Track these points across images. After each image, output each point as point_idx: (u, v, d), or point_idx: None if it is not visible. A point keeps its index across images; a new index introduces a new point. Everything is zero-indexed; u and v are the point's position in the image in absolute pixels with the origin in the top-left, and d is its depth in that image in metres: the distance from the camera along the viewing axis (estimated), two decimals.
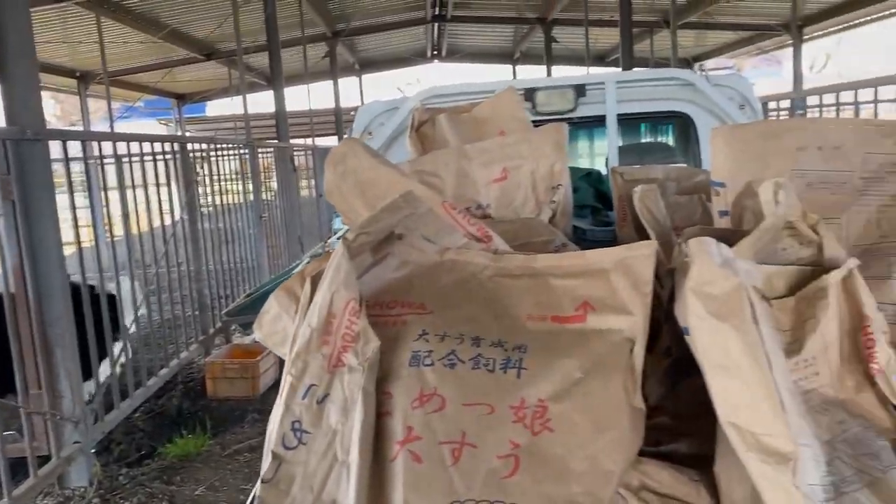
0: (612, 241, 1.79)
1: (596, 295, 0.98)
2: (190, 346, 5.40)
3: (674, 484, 0.93)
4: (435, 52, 20.72)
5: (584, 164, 3.63)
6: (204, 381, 4.99)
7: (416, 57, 20.18)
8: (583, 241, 2.34)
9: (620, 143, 2.91)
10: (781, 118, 5.58)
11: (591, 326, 0.96)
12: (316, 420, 0.91)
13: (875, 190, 1.37)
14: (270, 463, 0.90)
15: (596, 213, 2.63)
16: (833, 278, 1.04)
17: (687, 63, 17.85)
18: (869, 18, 12.84)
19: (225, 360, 5.03)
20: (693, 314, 0.84)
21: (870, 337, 1.01)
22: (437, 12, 16.23)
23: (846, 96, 4.84)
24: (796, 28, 12.13)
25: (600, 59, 18.06)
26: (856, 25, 13.41)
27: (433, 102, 2.61)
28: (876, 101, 4.16)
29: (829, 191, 1.37)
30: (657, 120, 3.35)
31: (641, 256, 0.97)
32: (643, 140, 3.58)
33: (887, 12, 12.09)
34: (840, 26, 13.42)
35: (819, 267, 1.11)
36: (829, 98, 5.20)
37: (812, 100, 5.52)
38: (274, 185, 8.28)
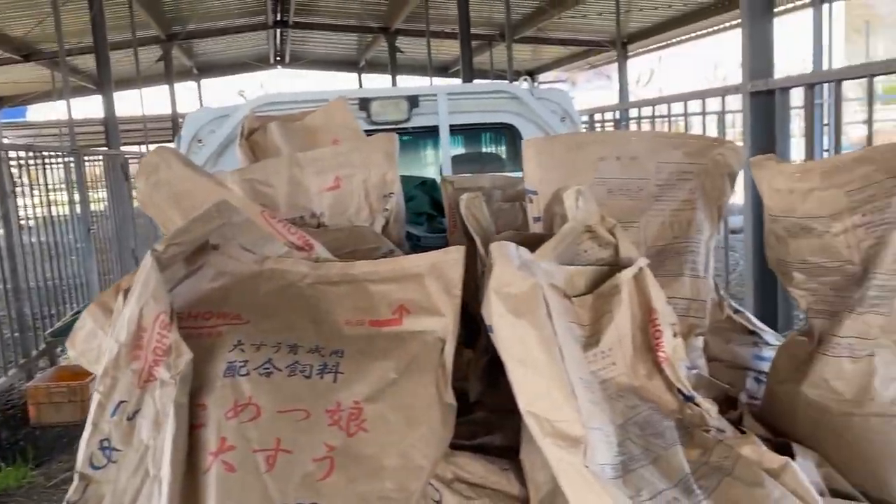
0: (445, 247, 1.86)
1: (411, 298, 1.02)
2: (9, 370, 4.96)
3: (485, 474, 0.99)
4: (278, 59, 20.33)
5: (422, 173, 3.73)
6: (26, 408, 4.60)
7: (258, 63, 19.70)
8: (418, 247, 2.41)
9: (455, 153, 3.02)
10: (590, 131, 5.97)
11: (407, 329, 1.00)
12: (126, 437, 0.89)
13: (668, 196, 1.52)
14: (77, 484, 0.87)
15: (431, 220, 2.71)
16: (625, 276, 1.14)
17: (527, 75, 18.64)
18: (686, 38, 14.04)
19: (50, 383, 4.67)
20: (495, 313, 0.90)
21: (657, 328, 1.13)
22: (278, 18, 15.94)
23: (662, 109, 5.27)
24: (621, 45, 13.02)
25: (444, 69, 18.48)
26: (675, 44, 14.62)
27: (266, 110, 2.58)
28: (686, 115, 4.57)
29: (628, 197, 1.50)
30: (488, 130, 3.50)
31: (452, 261, 1.02)
32: (476, 150, 3.73)
33: (702, 32, 13.27)
34: (660, 44, 14.57)
35: (616, 266, 1.21)
36: (647, 111, 5.64)
37: (634, 112, 5.97)
38: (104, 194, 7.78)
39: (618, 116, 6.41)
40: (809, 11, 9.52)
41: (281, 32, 17.46)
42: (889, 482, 1.21)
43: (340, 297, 1.03)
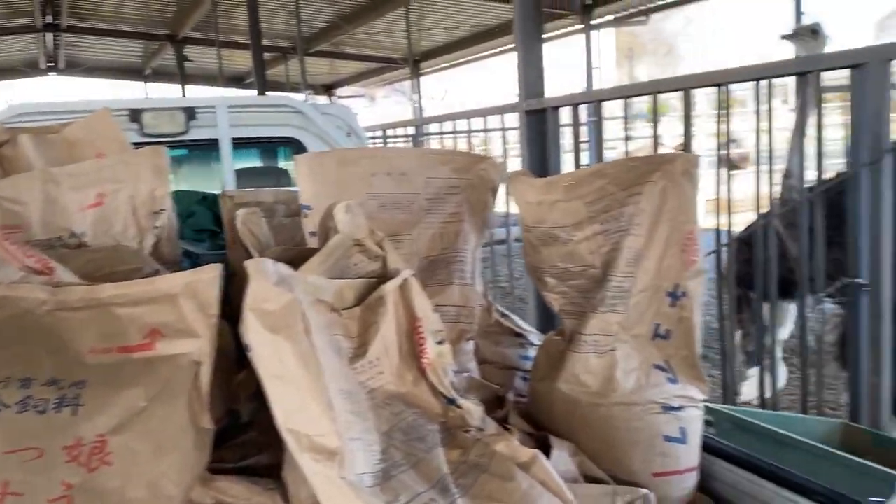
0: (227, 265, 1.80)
1: (164, 321, 0.98)
2: None
3: (249, 496, 0.97)
4: (51, 65, 18.60)
5: (205, 188, 3.59)
6: None
7: (27, 69, 17.89)
8: (198, 265, 2.31)
9: (239, 167, 2.93)
10: (368, 146, 6.09)
11: (160, 353, 0.96)
12: None
13: (437, 209, 1.58)
14: None
15: (214, 236, 2.61)
16: (390, 287, 1.18)
17: (326, 89, 18.62)
18: (474, 58, 14.75)
19: None
20: (251, 331, 0.89)
21: (421, 336, 1.17)
22: (49, 20, 14.59)
23: (449, 126, 5.49)
24: (413, 62, 13.41)
25: (238, 80, 17.92)
26: (465, 62, 15.31)
27: (21, 121, 2.35)
28: (469, 132, 4.81)
29: (400, 210, 1.55)
30: (274, 144, 3.45)
31: (207, 279, 0.99)
32: (262, 164, 3.65)
33: (490, 52, 14.01)
34: (451, 63, 15.19)
35: (384, 278, 1.25)
36: (443, 126, 5.85)
37: (430, 127, 6.16)
38: None
39: (412, 131, 6.59)
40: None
41: (54, 37, 15.98)
42: (632, 465, 1.34)
43: (84, 324, 0.96)
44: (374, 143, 5.96)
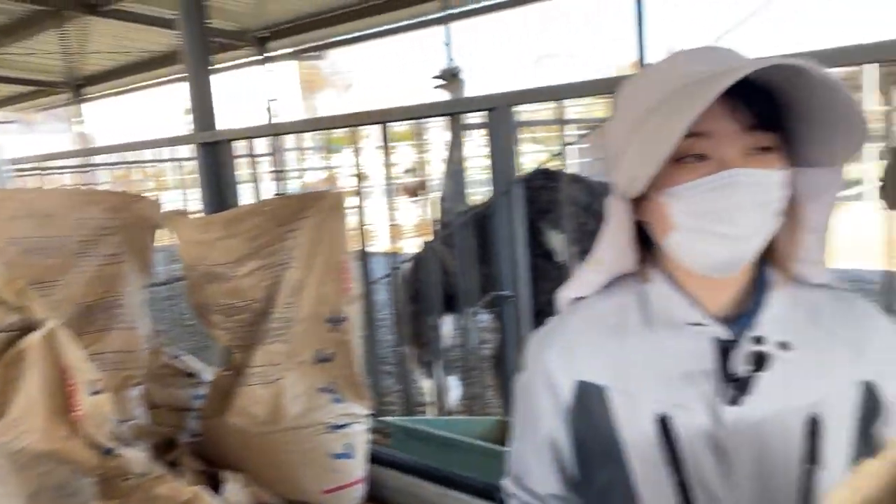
0: None
1: None
2: None
3: None
4: None
5: None
6: None
7: None
8: None
9: None
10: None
11: None
12: None
13: (92, 251, 1.51)
14: None
15: None
16: (32, 340, 1.11)
17: None
18: (146, 84, 13.91)
19: None
20: None
21: (72, 387, 1.12)
22: None
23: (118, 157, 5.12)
24: (75, 87, 12.25)
25: None
26: (136, 90, 14.36)
27: None
28: (143, 162, 4.55)
29: (47, 255, 1.45)
30: None
31: None
32: None
33: (164, 79, 13.30)
34: (119, 89, 14.15)
35: (27, 330, 1.17)
36: (114, 157, 5.43)
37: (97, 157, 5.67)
38: None
39: (76, 162, 6.01)
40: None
41: None
42: (304, 485, 1.42)
43: None
44: (30, 177, 5.34)
